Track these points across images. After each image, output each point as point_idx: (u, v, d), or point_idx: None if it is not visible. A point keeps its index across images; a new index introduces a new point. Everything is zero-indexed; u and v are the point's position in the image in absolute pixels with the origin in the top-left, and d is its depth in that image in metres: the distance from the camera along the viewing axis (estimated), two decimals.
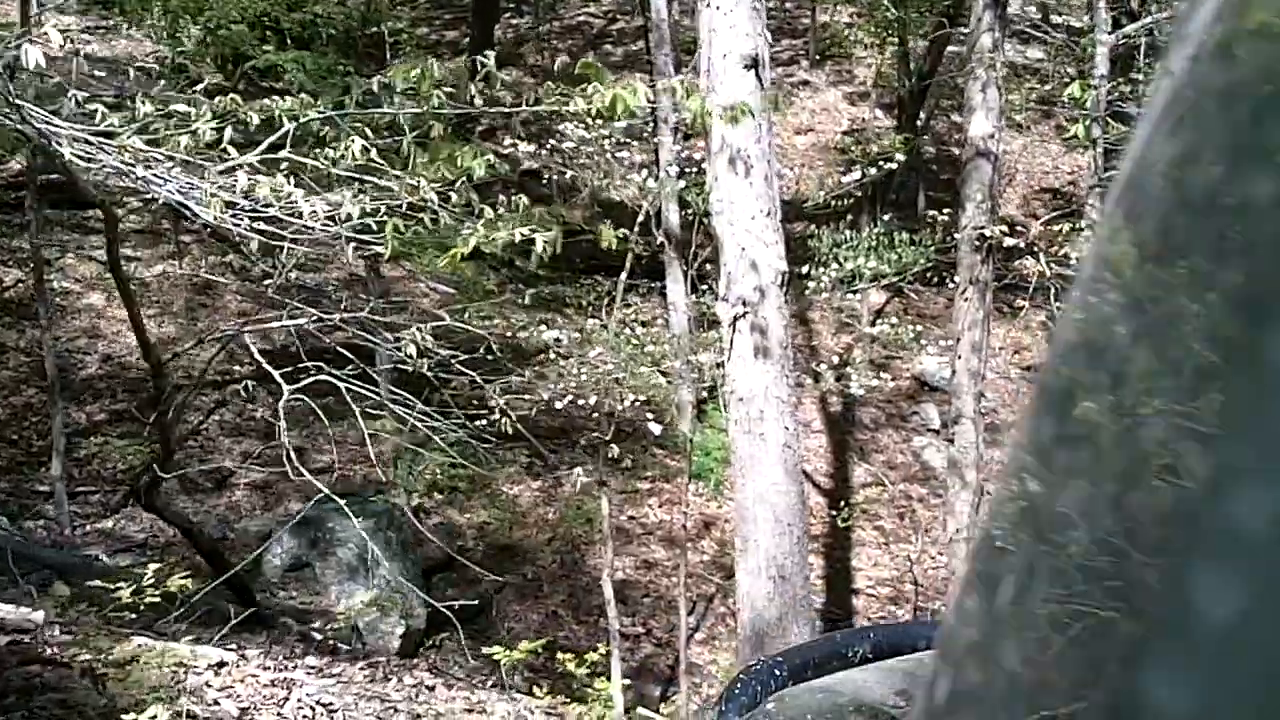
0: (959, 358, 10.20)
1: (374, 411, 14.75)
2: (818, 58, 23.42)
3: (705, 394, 14.61)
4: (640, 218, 11.00)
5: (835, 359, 17.07)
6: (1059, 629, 0.49)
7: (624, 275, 11.03)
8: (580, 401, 9.66)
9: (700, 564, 13.49)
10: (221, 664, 3.86)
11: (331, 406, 15.48)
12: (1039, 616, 0.51)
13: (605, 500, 11.16)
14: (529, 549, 13.82)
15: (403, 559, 12.90)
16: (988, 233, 9.28)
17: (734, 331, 7.85)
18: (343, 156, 3.96)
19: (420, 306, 16.69)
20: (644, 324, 15.15)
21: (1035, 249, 10.19)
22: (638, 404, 9.17)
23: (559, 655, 8.85)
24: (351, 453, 14.71)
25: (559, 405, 9.52)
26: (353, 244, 4.41)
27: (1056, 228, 10.29)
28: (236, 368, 14.55)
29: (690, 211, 11.11)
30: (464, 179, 4.49)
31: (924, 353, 16.67)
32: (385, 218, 4.10)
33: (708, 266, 10.15)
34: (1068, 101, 13.64)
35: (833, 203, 11.26)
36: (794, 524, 8.05)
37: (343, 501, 13.62)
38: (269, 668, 4.08)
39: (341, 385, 7.17)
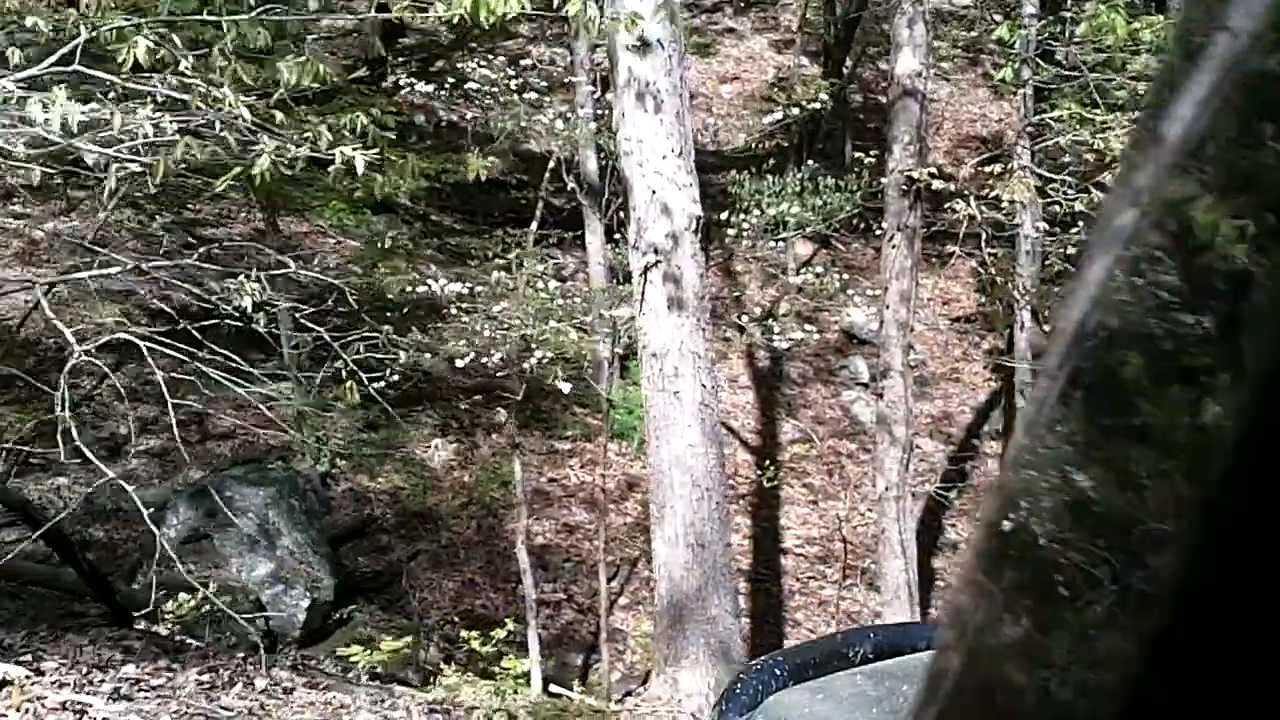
0: (886, 308, 9.66)
1: (278, 372, 13.97)
2: (742, 4, 22.71)
3: (628, 350, 14.03)
4: (551, 164, 10.30)
5: (761, 312, 16.50)
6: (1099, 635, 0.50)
7: (534, 225, 10.33)
8: (499, 359, 8.99)
9: (623, 526, 12.91)
10: (3, 683, 3.21)
11: (235, 368, 14.72)
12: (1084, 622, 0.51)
13: (517, 463, 10.52)
14: (444, 515, 13.14)
15: (307, 529, 12.15)
16: (915, 175, 8.71)
17: (645, 282, 7.21)
18: (123, 64, 3.28)
19: (326, 263, 15.89)
20: (563, 279, 14.50)
21: (965, 192, 9.65)
22: (547, 360, 8.51)
23: (464, 633, 8.22)
24: (257, 417, 13.95)
25: (465, 364, 8.80)
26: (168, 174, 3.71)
27: (987, 169, 9.74)
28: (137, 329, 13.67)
29: (605, 155, 10.45)
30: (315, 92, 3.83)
31: (852, 305, 16.18)
32: (177, 136, 3.43)
33: (625, 215, 9.50)
34: (996, 46, 13.09)
35: (755, 147, 10.64)
36: (713, 488, 7.46)
37: (243, 469, 12.93)
38: (67, 684, 3.46)
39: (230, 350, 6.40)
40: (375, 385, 8.36)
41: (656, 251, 7.18)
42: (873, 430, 10.72)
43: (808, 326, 16.46)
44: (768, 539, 12.96)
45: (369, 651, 4.38)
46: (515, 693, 7.76)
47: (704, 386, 7.47)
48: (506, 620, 8.52)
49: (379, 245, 15.11)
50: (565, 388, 8.35)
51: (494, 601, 12.35)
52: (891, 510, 9.78)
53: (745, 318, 15.86)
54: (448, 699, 6.46)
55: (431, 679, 8.75)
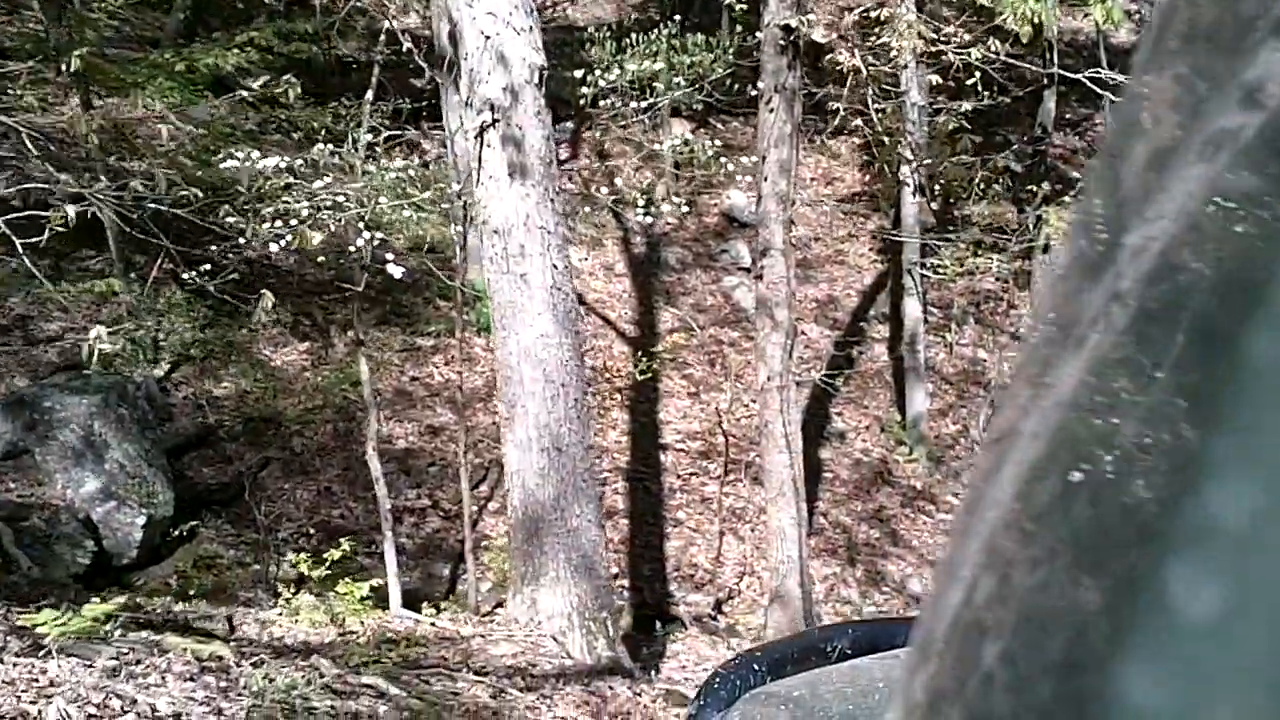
0: (764, 180, 8.65)
1: (108, 269, 12.53)
2: None
3: None
4: (387, 25, 9.04)
5: (637, 195, 15.42)
6: (1036, 625, 0.48)
7: (369, 94, 9.07)
8: (318, 241, 7.81)
9: (491, 427, 11.88)
10: None
11: (63, 267, 13.26)
12: (1017, 612, 0.49)
13: (363, 362, 9.40)
14: (296, 419, 12.00)
15: (139, 439, 10.93)
16: (793, 24, 7.64)
17: (482, 145, 6.11)
18: None
19: (161, 149, 14.36)
20: (426, 165, 13.26)
21: (848, 42, 8.61)
22: (377, 244, 7.37)
23: (293, 556, 7.19)
24: (89, 318, 12.59)
25: (280, 249, 7.62)
26: None
27: (873, 14, 8.71)
28: None
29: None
30: None
31: (733, 187, 15.22)
32: None
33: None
34: None
35: (626, 21, 9.48)
36: (569, 384, 6.46)
37: (64, 376, 11.59)
38: None
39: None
40: (214, 281, 7.22)
41: (493, 109, 6.07)
42: (754, 316, 9.80)
43: (685, 208, 15.48)
44: (646, 435, 12.07)
45: (64, 619, 3.36)
46: (361, 617, 6.77)
47: (555, 268, 6.43)
48: (342, 542, 7.48)
49: (218, 129, 13.64)
50: (396, 272, 7.23)
51: (353, 511, 11.32)
52: (774, 401, 8.91)
53: (621, 202, 14.82)
54: (259, 640, 5.48)
55: (282, 597, 7.75)
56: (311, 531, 11.35)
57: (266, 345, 12.78)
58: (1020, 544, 0.49)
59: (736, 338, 13.23)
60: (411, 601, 10.21)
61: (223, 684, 3.87)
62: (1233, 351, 0.42)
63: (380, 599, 9.44)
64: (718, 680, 2.04)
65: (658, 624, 9.57)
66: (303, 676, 4.21)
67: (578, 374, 6.56)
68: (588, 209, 15.04)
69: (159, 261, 11.66)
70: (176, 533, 10.65)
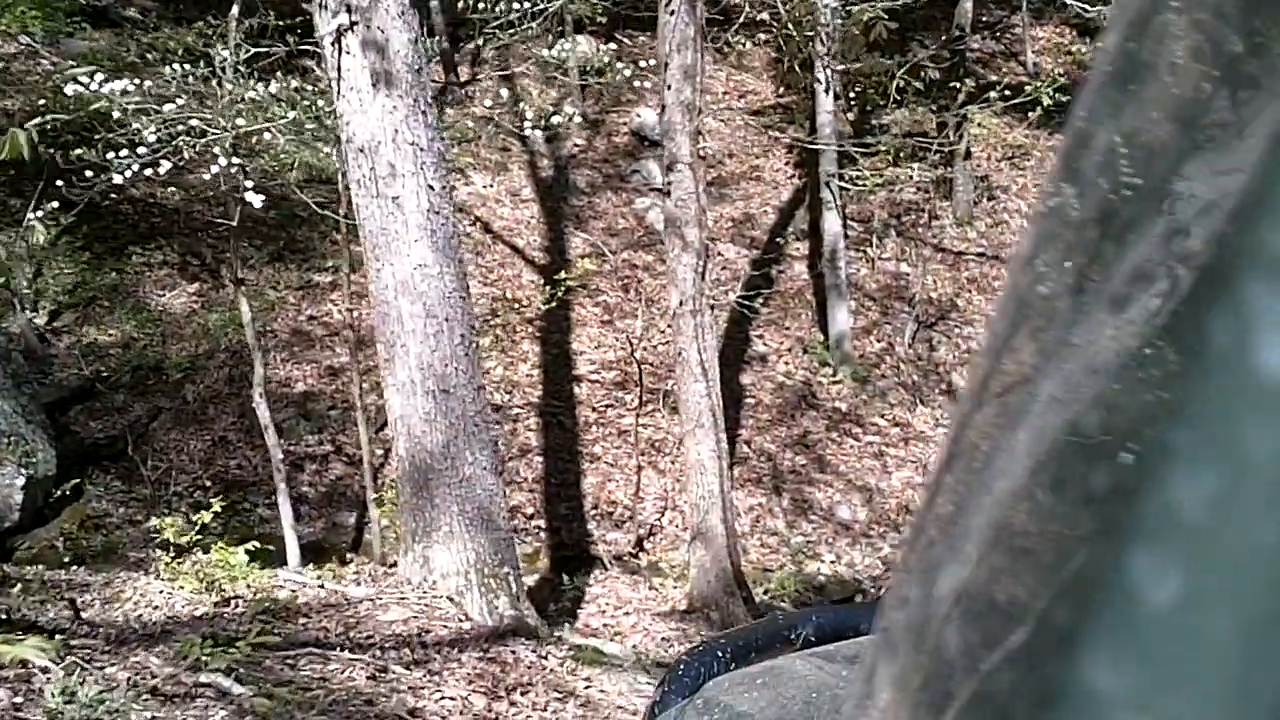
0: (668, 88, 7.89)
1: None
2: None
3: None
4: None
5: (543, 117, 14.56)
6: (997, 613, 0.48)
7: (234, 9, 8.14)
8: (167, 169, 6.96)
9: None
10: None
11: None
12: (978, 601, 0.49)
13: (244, 302, 8.58)
14: (186, 366, 11.14)
15: (15, 394, 10.05)
16: None
17: (340, 52, 5.28)
18: None
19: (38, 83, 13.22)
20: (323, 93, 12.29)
21: None
22: (235, 169, 6.54)
23: (159, 521, 6.42)
24: None
25: (129, 177, 6.75)
26: None
27: None
28: None
29: None
30: None
31: (643, 104, 14.41)
32: None
33: None
34: None
35: None
36: (454, 318, 5.73)
37: None
38: None
39: None
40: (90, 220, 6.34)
41: (349, 10, 5.24)
42: (664, 237, 9.07)
43: (587, 127, 14.66)
44: (559, 367, 11.37)
45: None
46: (248, 581, 6.05)
47: (431, 189, 5.65)
48: (214, 503, 6.72)
49: (98, 60, 12.52)
50: (256, 201, 6.42)
51: (251, 461, 10.54)
52: (688, 326, 8.23)
53: (527, 124, 13.96)
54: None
55: (161, 562, 6.98)
56: (207, 484, 10.56)
57: (153, 288, 11.85)
58: (1040, 521, 0.46)
59: (651, 261, 12.52)
60: (315, 553, 9.52)
61: (17, 698, 3.15)
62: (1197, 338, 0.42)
63: (280, 554, 8.75)
64: (682, 667, 1.99)
65: (564, 577, 8.94)
66: (127, 679, 3.51)
67: (463, 307, 5.81)
68: (491, 132, 14.16)
69: (34, 202, 10.69)
70: (60, 492, 9.86)
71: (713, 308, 8.55)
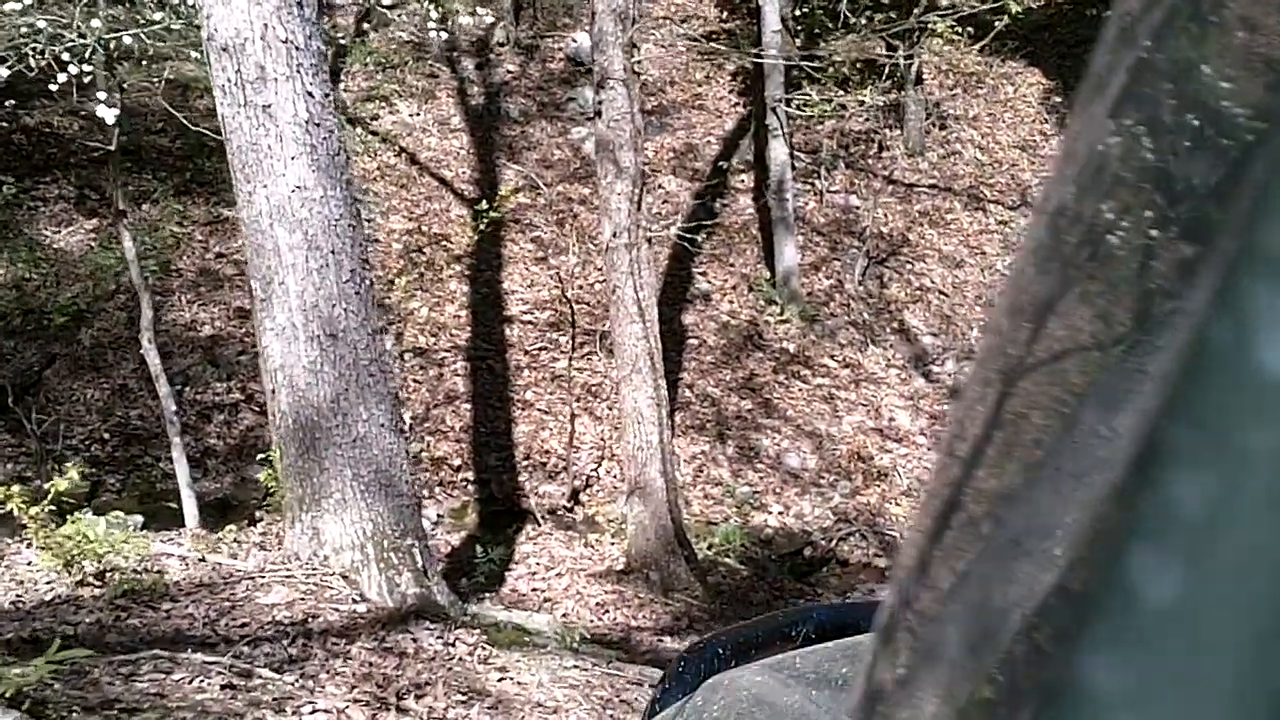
0: None
1: None
2: None
3: None
4: None
5: (473, 43, 13.50)
6: (999, 611, 0.47)
7: None
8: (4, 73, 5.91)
9: None
10: None
11: None
12: (979, 598, 0.49)
13: (126, 238, 7.55)
14: (83, 308, 10.08)
15: None
16: None
17: None
18: None
19: None
20: None
21: None
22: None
23: (8, 490, 5.43)
24: None
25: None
26: None
27: None
28: None
29: None
30: None
31: (579, 29, 13.34)
32: None
33: None
34: None
35: None
36: (342, 250, 4.77)
37: None
38: None
39: None
40: None
41: None
42: (595, 161, 8.11)
43: (531, 56, 13.59)
44: (489, 307, 10.42)
45: None
46: (122, 554, 5.10)
47: (310, 96, 4.66)
48: (70, 469, 5.74)
49: None
50: (109, 116, 5.39)
51: (154, 411, 9.51)
52: (622, 261, 7.32)
53: (457, 52, 12.89)
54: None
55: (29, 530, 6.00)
56: (106, 436, 9.56)
57: (47, 225, 10.72)
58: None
59: (587, 195, 11.53)
60: (221, 511, 8.57)
61: None
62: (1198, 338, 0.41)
63: (175, 515, 7.80)
64: (681, 665, 1.66)
65: (479, 549, 8.05)
66: None
67: (352, 237, 4.85)
68: (418, 58, 13.05)
69: None
70: None
71: (651, 242, 7.63)
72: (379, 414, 4.99)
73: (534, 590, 7.35)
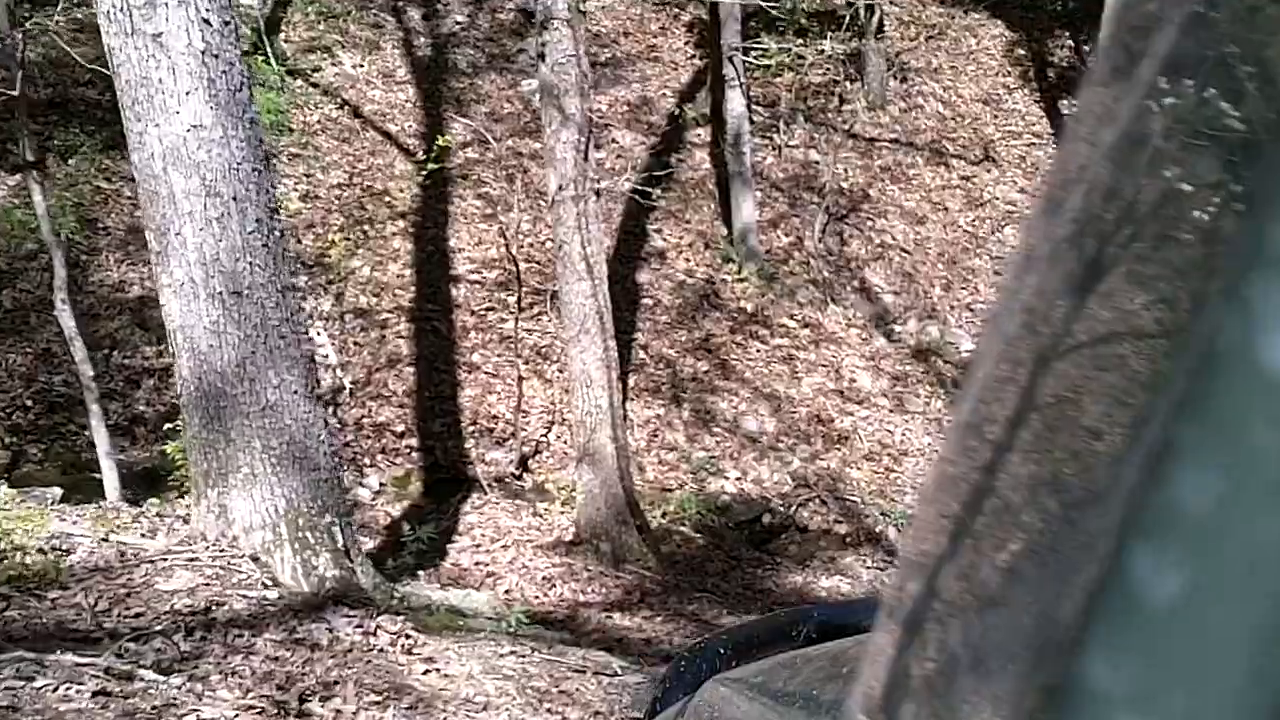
0: None
1: None
2: None
3: None
4: None
5: None
6: (1002, 610, 0.47)
7: None
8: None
9: None
10: None
11: None
12: (981, 597, 0.49)
13: (36, 190, 6.97)
14: (4, 268, 9.46)
15: None
16: None
17: None
18: None
19: None
20: None
21: None
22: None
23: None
24: None
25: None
26: None
27: None
28: None
29: None
30: None
31: None
32: None
33: None
34: None
35: None
36: (247, 198, 4.23)
37: None
38: None
39: None
40: None
41: None
42: (538, 108, 7.55)
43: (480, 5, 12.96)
44: (434, 266, 9.87)
45: None
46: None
47: (207, 23, 4.10)
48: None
49: None
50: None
51: (78, 376, 8.91)
52: (569, 214, 6.81)
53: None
54: None
55: None
56: (28, 404, 8.96)
57: None
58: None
59: (538, 149, 10.94)
60: (149, 482, 8.03)
61: None
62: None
63: (98, 487, 7.28)
64: (683, 664, 1.83)
65: (420, 520, 7.55)
66: None
67: (259, 183, 4.30)
68: (362, 7, 12.39)
69: None
70: None
71: (600, 194, 7.11)
72: (291, 379, 4.47)
73: (477, 564, 6.87)
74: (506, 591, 6.32)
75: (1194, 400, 0.39)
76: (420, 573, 6.35)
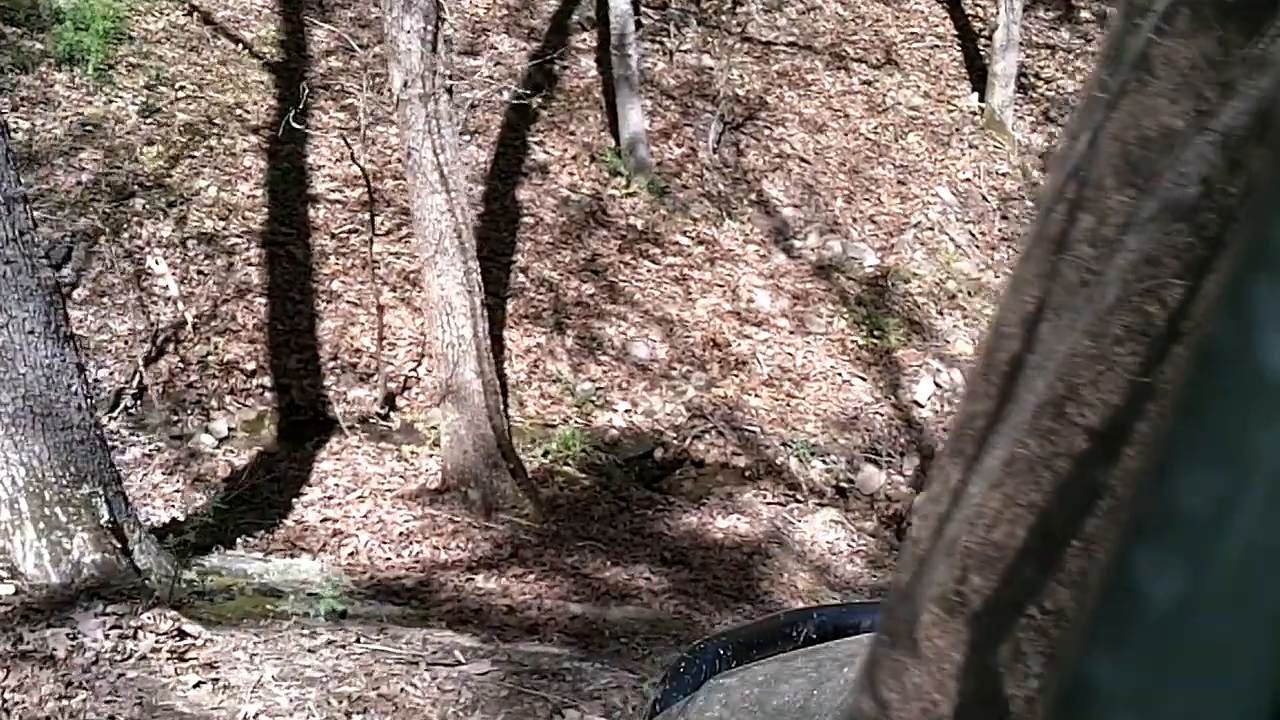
0: None
1: None
2: None
3: None
4: None
5: None
6: (1007, 612, 0.46)
7: None
8: None
9: (76, 188, 8.30)
10: None
11: None
12: (987, 600, 0.48)
13: None
14: None
15: None
16: None
17: None
18: None
19: None
20: None
21: None
22: None
23: None
24: None
25: None
26: None
27: None
28: None
29: None
30: None
31: None
32: None
33: None
34: None
35: None
36: None
37: None
38: None
39: None
40: None
41: None
42: None
43: None
44: (289, 185, 8.72)
45: None
46: None
47: None
48: None
49: None
50: None
51: None
52: (418, 116, 5.76)
53: None
54: None
55: None
56: None
57: None
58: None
59: None
60: None
61: None
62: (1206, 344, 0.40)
63: None
64: (683, 665, 1.80)
65: (265, 469, 6.51)
66: None
67: None
68: None
69: None
70: None
71: (451, 91, 6.04)
72: (26, 315, 3.43)
73: (324, 521, 5.88)
74: (350, 555, 5.37)
75: (1192, 402, 0.39)
76: (250, 538, 5.34)
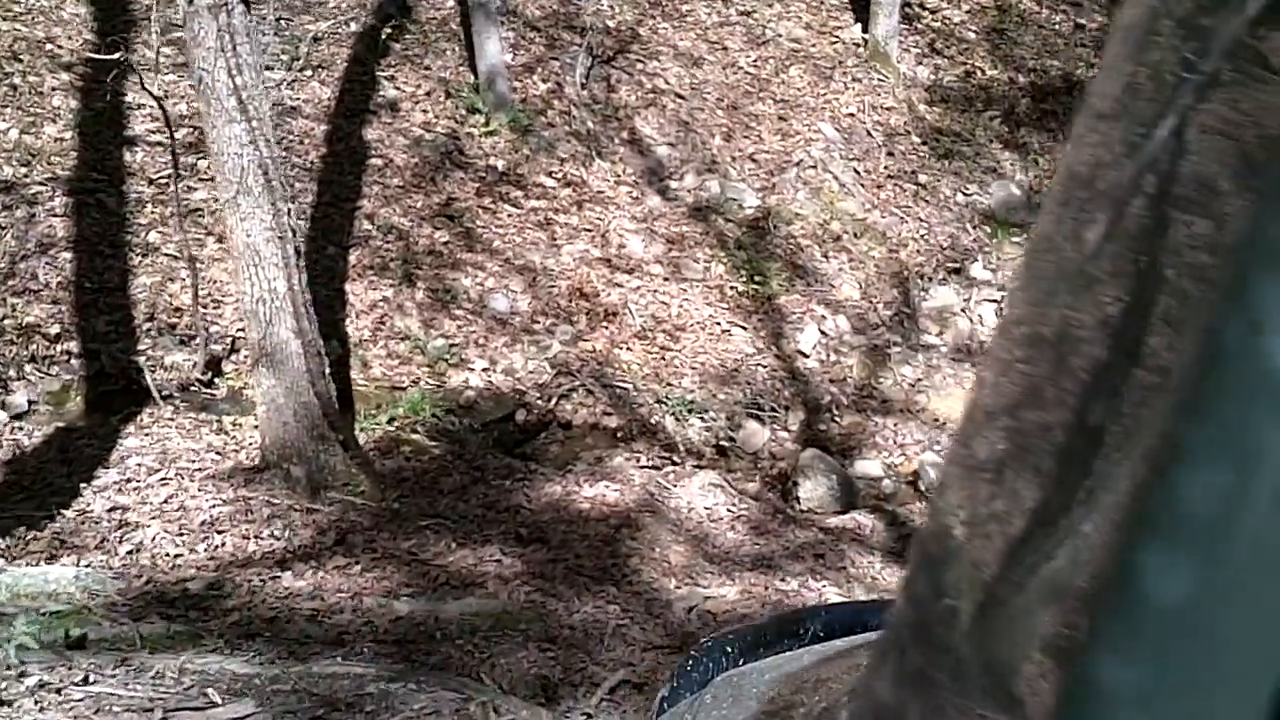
0: None
1: None
2: None
3: None
4: None
5: None
6: (1011, 613, 0.45)
7: None
8: None
9: None
10: None
11: None
12: (995, 602, 0.46)
13: None
14: None
15: None
16: None
17: None
18: None
19: None
20: None
21: None
22: None
23: None
24: None
25: None
26: None
27: None
28: None
29: None
30: None
31: None
32: None
33: None
34: None
35: None
36: None
37: None
38: None
39: None
40: None
41: None
42: None
43: None
44: (102, 126, 7.61)
45: None
46: None
47: None
48: None
49: None
50: None
51: None
52: (208, 31, 4.77)
53: None
54: None
55: None
56: None
57: None
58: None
59: None
60: None
61: None
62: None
63: None
64: (690, 663, 1.73)
65: (62, 447, 5.49)
66: None
67: None
68: None
69: None
70: None
71: (248, 2, 5.04)
72: None
73: (112, 511, 4.92)
74: (130, 553, 4.42)
75: (1198, 399, 0.38)
76: (6, 538, 4.36)
